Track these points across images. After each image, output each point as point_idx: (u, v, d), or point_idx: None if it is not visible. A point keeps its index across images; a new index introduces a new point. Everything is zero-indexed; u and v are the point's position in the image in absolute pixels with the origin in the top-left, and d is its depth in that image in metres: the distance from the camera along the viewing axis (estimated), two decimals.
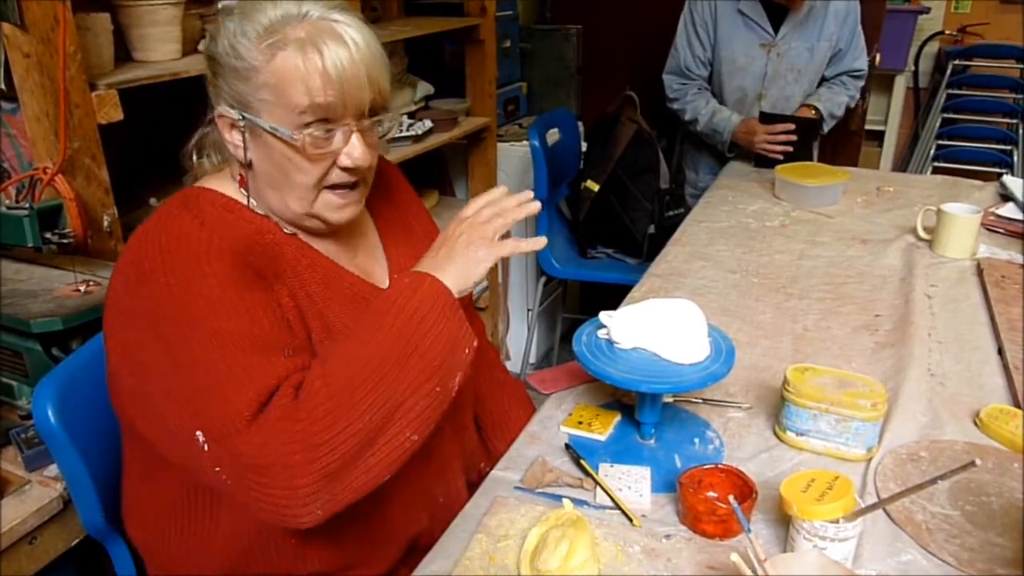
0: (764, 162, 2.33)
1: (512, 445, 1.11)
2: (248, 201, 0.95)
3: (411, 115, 2.38)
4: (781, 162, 2.23)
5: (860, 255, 1.73)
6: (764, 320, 1.45)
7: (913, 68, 4.38)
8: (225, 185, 0.97)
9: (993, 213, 1.90)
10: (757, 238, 1.84)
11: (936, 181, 2.30)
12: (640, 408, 1.08)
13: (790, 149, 2.29)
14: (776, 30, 2.36)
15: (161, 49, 1.57)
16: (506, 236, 0.93)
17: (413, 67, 2.55)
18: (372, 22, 1.19)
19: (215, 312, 0.82)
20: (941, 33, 4.32)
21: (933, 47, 4.35)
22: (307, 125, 0.88)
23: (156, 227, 0.88)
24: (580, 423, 1.13)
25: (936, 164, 4.28)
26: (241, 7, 0.88)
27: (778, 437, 1.10)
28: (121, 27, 1.52)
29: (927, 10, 4.17)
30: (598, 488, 1.00)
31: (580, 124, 2.87)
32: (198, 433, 0.80)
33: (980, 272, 1.61)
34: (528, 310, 2.88)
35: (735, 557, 0.75)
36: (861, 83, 2.51)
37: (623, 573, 0.86)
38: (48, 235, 1.25)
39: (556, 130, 2.66)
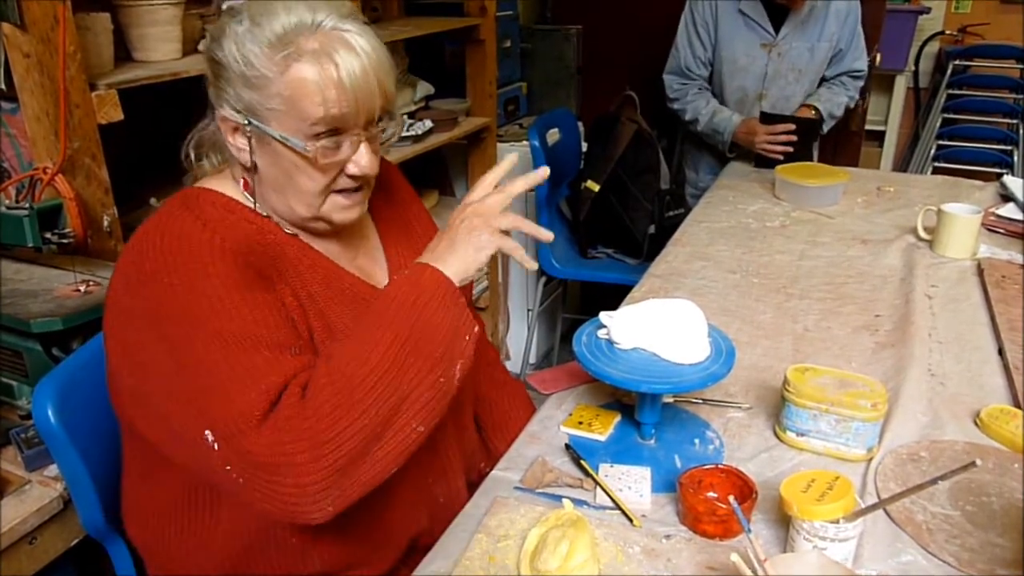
0: (764, 162, 2.33)
1: (512, 445, 1.11)
2: (255, 204, 0.95)
3: (411, 115, 2.38)
4: (781, 162, 2.23)
5: (860, 255, 1.73)
6: (764, 320, 1.45)
7: (913, 68, 4.38)
8: (225, 186, 0.96)
9: (993, 213, 1.90)
10: (757, 238, 1.84)
11: (936, 181, 2.30)
12: (640, 408, 1.07)
13: (790, 149, 2.29)
14: (777, 30, 2.36)
15: (161, 49, 1.57)
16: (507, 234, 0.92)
17: (413, 67, 2.55)
18: (372, 22, 1.19)
19: (219, 312, 0.82)
20: (941, 33, 4.32)
21: (933, 47, 4.35)
22: (318, 136, 0.88)
23: (157, 227, 0.88)
24: (580, 423, 1.13)
25: (936, 164, 4.28)
26: (250, 10, 0.86)
27: (778, 437, 1.10)
28: (121, 27, 1.52)
29: (927, 10, 4.17)
30: (598, 488, 1.00)
31: (580, 124, 2.87)
32: (207, 432, 0.80)
33: (980, 272, 1.61)
34: (528, 310, 2.88)
35: (735, 557, 0.75)
36: (861, 83, 2.51)
37: (623, 573, 0.86)
38: (48, 235, 1.25)
39: (556, 130, 2.66)
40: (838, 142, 2.87)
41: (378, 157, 0.96)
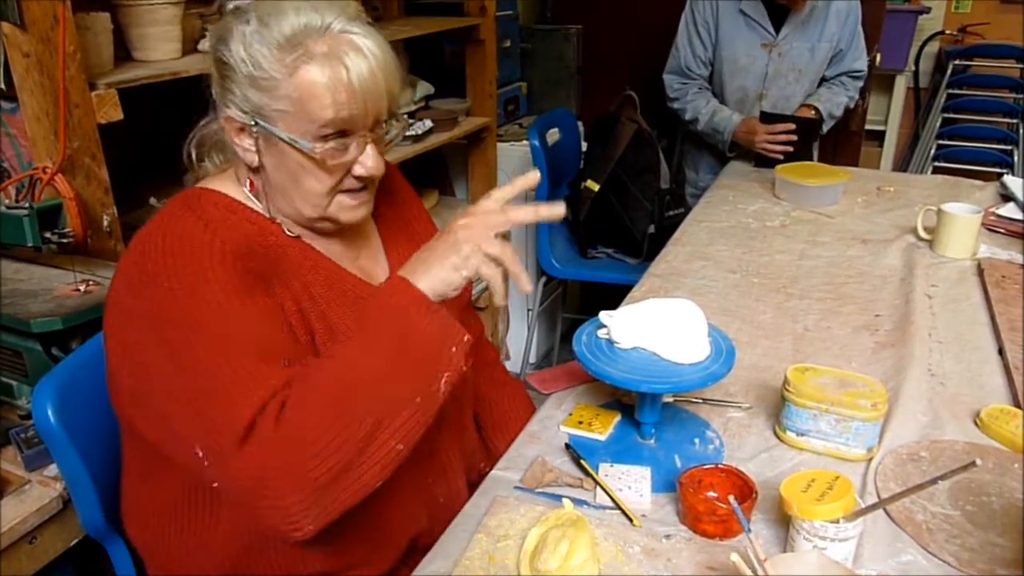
0: (764, 162, 2.33)
1: (512, 445, 1.11)
2: (259, 205, 0.95)
3: (411, 115, 2.38)
4: (781, 162, 2.23)
5: (860, 255, 1.73)
6: (764, 320, 1.45)
7: (913, 68, 4.38)
8: (228, 186, 0.96)
9: (993, 213, 1.90)
10: (757, 238, 1.84)
11: (936, 181, 2.30)
12: (640, 408, 1.07)
13: (791, 149, 2.29)
14: (777, 30, 2.36)
15: (161, 48, 1.57)
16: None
17: (413, 67, 2.55)
18: (373, 22, 1.19)
19: (216, 319, 0.82)
20: (941, 33, 4.32)
21: (933, 47, 4.35)
22: (325, 138, 0.88)
23: (160, 228, 0.88)
24: (580, 423, 1.13)
25: (936, 164, 4.28)
26: (257, 11, 0.86)
27: (778, 437, 1.10)
28: (121, 26, 1.52)
29: (927, 10, 4.17)
30: (598, 488, 1.00)
31: (580, 124, 2.87)
32: (197, 450, 0.81)
33: (980, 272, 1.61)
34: (528, 310, 2.88)
35: (735, 557, 0.75)
36: (860, 84, 2.51)
37: (623, 573, 0.86)
38: (48, 235, 1.25)
39: (556, 130, 2.66)
40: (838, 142, 2.87)
41: (384, 158, 0.96)
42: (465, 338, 0.87)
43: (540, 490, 1.01)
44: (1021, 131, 4.17)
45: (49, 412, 0.98)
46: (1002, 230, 1.84)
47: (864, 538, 0.89)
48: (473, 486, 1.05)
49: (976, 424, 1.12)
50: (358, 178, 0.93)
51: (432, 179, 2.86)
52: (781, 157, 2.27)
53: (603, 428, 1.12)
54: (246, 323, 0.84)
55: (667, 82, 2.53)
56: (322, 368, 0.83)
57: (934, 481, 0.85)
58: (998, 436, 1.09)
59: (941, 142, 4.32)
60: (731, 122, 2.40)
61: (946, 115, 4.29)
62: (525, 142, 2.65)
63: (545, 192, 2.52)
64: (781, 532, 0.92)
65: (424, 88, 2.53)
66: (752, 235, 1.86)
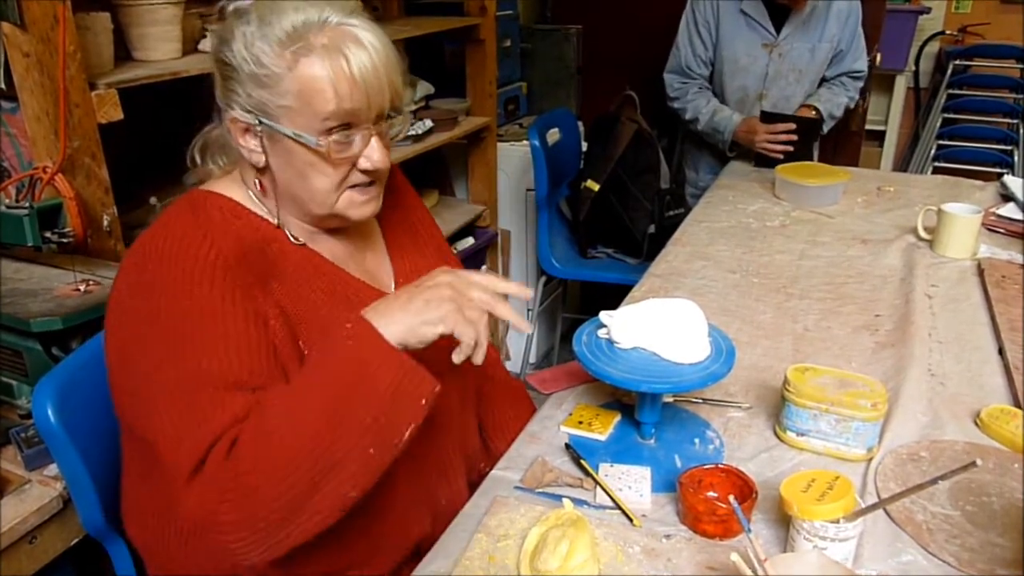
0: (764, 162, 2.33)
1: (512, 445, 1.11)
2: (272, 207, 0.96)
3: (411, 115, 2.38)
4: (782, 162, 2.23)
5: (860, 255, 1.73)
6: (764, 320, 1.45)
7: (914, 68, 4.38)
8: (233, 189, 0.97)
9: (994, 213, 1.90)
10: (757, 238, 1.84)
11: (936, 181, 2.30)
12: (640, 408, 1.07)
13: (791, 149, 2.29)
14: (778, 30, 2.36)
15: (161, 48, 1.57)
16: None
17: (413, 67, 2.54)
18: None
19: (195, 336, 0.83)
20: (942, 33, 4.31)
21: (934, 47, 4.35)
22: (330, 131, 0.88)
23: (163, 228, 0.89)
24: (580, 423, 1.13)
25: (936, 164, 4.28)
26: (258, 11, 0.87)
27: (778, 437, 1.10)
28: (121, 26, 1.52)
29: (927, 10, 4.17)
30: (598, 488, 1.00)
31: (580, 124, 2.87)
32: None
33: (981, 272, 1.61)
34: (528, 310, 2.88)
35: (735, 557, 0.75)
36: (861, 84, 2.51)
37: (623, 573, 0.86)
38: (48, 234, 1.25)
39: (556, 130, 2.66)
40: (838, 142, 2.86)
41: (389, 151, 0.96)
42: (436, 388, 0.84)
43: (540, 490, 1.01)
44: (1021, 131, 4.17)
45: (49, 412, 0.98)
46: (1002, 230, 1.84)
47: (864, 538, 0.89)
48: (473, 486, 1.05)
49: (976, 424, 1.12)
50: (364, 172, 0.93)
51: (432, 179, 2.86)
52: (781, 157, 2.27)
53: (603, 428, 1.12)
54: (221, 343, 0.83)
55: (667, 81, 2.53)
56: (277, 406, 0.81)
57: (934, 481, 0.85)
58: (998, 436, 1.09)
59: (941, 142, 4.32)
60: (731, 122, 2.40)
61: (946, 115, 4.29)
62: (525, 142, 2.65)
63: (545, 192, 2.52)
64: (781, 532, 0.92)
65: (424, 88, 2.53)
66: (752, 235, 1.86)
